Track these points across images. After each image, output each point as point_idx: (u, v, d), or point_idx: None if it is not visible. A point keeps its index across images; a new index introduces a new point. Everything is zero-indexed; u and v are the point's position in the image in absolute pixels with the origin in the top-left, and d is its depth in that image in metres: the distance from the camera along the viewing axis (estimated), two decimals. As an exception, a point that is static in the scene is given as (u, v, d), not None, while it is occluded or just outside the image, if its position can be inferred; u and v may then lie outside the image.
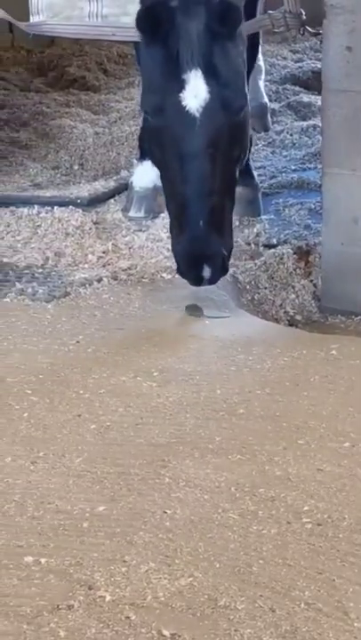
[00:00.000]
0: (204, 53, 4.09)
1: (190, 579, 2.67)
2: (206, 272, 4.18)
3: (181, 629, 2.49)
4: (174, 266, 4.77)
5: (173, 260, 4.77)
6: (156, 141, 4.27)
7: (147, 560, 2.75)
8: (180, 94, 4.10)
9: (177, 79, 4.10)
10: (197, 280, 4.24)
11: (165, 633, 2.48)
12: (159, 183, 5.20)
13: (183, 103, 4.11)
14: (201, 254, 4.17)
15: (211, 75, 4.10)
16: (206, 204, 4.13)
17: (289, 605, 2.57)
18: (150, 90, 4.24)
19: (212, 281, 4.24)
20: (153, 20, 4.08)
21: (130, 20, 4.83)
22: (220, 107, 4.12)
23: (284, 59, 8.53)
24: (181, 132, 4.12)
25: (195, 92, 4.11)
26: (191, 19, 4.09)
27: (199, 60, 4.09)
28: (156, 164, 4.41)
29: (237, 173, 4.38)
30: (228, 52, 4.14)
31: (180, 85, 4.10)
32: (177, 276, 4.68)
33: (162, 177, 4.40)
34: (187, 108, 4.10)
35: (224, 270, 4.27)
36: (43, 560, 2.76)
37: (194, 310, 4.37)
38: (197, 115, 4.10)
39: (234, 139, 4.21)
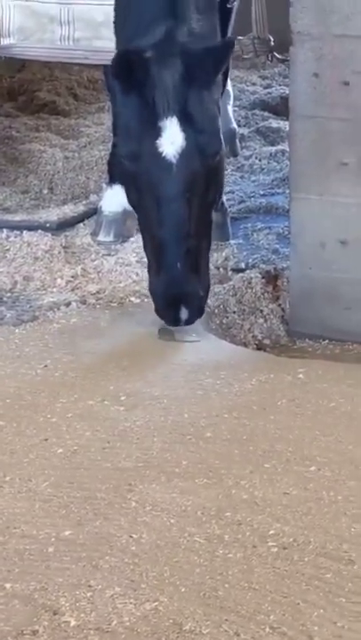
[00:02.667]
0: (179, 101, 4.15)
1: (155, 603, 2.67)
2: (184, 313, 4.22)
3: (146, 654, 2.49)
4: (143, 290, 4.79)
5: (143, 285, 4.80)
6: (134, 186, 4.32)
7: (112, 585, 2.75)
8: (157, 141, 4.15)
9: (153, 126, 4.16)
10: (175, 321, 4.27)
11: (130, 658, 2.48)
12: (128, 207, 5.21)
13: (160, 150, 4.15)
14: (178, 296, 4.22)
15: (186, 121, 4.16)
16: (184, 246, 4.18)
17: (254, 629, 2.57)
18: (127, 136, 4.29)
19: (189, 322, 4.28)
20: (128, 69, 4.12)
21: (103, 43, 4.85)
22: (196, 152, 4.17)
23: (254, 84, 8.55)
24: (159, 177, 4.17)
25: (171, 139, 4.15)
26: (166, 67, 4.14)
27: (175, 107, 4.14)
28: (133, 207, 4.47)
29: (213, 215, 4.43)
30: (203, 97, 4.21)
31: (157, 132, 4.16)
32: (146, 300, 4.69)
33: (139, 220, 4.46)
34: (163, 155, 4.15)
35: (201, 312, 4.31)
36: (7, 585, 2.76)
37: (165, 334, 4.38)
38: (174, 161, 4.15)
39: (210, 182, 4.27)
